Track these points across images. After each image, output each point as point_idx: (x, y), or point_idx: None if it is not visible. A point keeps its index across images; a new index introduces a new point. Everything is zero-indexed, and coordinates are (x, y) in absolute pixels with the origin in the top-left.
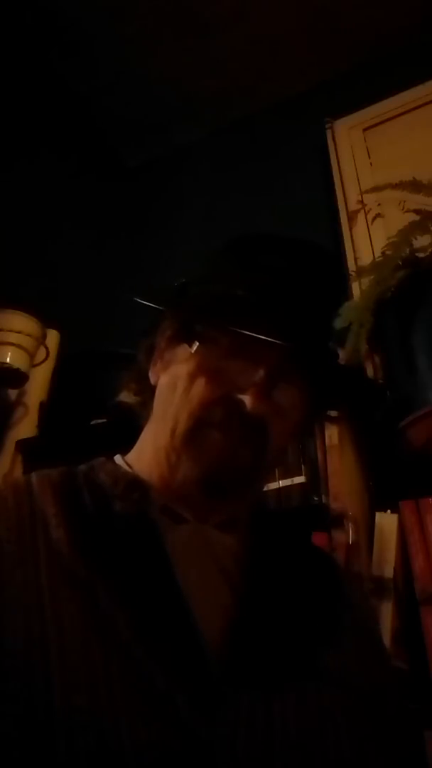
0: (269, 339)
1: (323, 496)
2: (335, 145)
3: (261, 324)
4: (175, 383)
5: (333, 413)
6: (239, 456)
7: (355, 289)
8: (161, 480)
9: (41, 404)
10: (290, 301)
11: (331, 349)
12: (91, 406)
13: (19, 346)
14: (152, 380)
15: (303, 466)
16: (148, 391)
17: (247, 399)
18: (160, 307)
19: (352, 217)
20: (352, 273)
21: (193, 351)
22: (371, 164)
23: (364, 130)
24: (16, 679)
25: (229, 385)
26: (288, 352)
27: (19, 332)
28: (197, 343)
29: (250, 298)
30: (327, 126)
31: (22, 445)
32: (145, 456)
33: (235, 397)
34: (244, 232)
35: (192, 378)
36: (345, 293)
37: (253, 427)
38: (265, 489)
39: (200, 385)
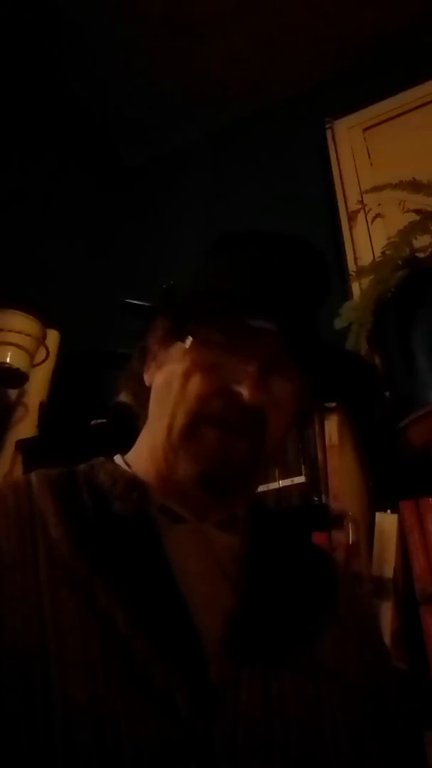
0: (258, 326)
1: (323, 496)
2: (335, 145)
3: (249, 315)
4: (170, 382)
5: (331, 404)
6: (238, 450)
7: (355, 289)
8: (159, 478)
9: (41, 404)
10: (275, 291)
11: (321, 335)
12: (91, 406)
13: (19, 346)
14: (147, 382)
15: (303, 466)
16: (143, 394)
17: (243, 390)
18: (150, 308)
19: (352, 217)
20: (352, 273)
21: (187, 346)
22: (371, 164)
23: (364, 130)
24: (15, 676)
25: (224, 379)
26: (279, 341)
27: (19, 332)
28: (190, 338)
29: (237, 292)
30: (327, 126)
31: (22, 445)
32: (143, 455)
33: (232, 388)
34: (227, 229)
35: (187, 375)
36: (333, 283)
37: (251, 418)
38: (265, 489)
39: (196, 381)
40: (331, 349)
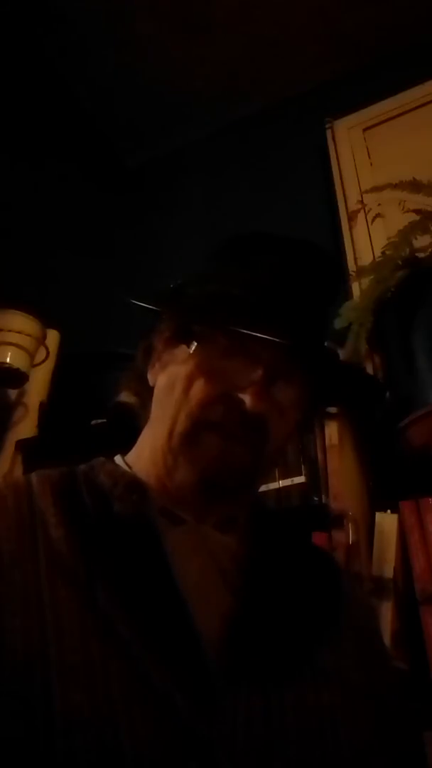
0: (267, 337)
1: (323, 496)
2: (335, 145)
3: (258, 323)
4: (173, 384)
5: (332, 410)
6: (238, 457)
7: (355, 289)
8: (159, 481)
9: (41, 404)
10: (286, 299)
11: (329, 345)
12: (91, 406)
13: (19, 346)
14: (150, 382)
15: (303, 466)
16: (146, 393)
17: (246, 398)
18: (157, 309)
19: (352, 217)
20: (352, 273)
21: (191, 351)
22: (371, 164)
23: (364, 130)
24: (15, 677)
25: (227, 384)
26: (286, 349)
27: (19, 332)
28: (195, 344)
29: (247, 297)
30: (327, 126)
31: (22, 445)
32: (143, 457)
33: (235, 396)
34: (238, 231)
35: (190, 379)
36: (343, 290)
37: (252, 427)
38: (265, 489)
39: (199, 386)
40: (337, 358)
